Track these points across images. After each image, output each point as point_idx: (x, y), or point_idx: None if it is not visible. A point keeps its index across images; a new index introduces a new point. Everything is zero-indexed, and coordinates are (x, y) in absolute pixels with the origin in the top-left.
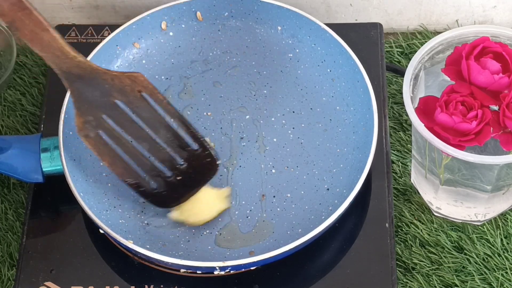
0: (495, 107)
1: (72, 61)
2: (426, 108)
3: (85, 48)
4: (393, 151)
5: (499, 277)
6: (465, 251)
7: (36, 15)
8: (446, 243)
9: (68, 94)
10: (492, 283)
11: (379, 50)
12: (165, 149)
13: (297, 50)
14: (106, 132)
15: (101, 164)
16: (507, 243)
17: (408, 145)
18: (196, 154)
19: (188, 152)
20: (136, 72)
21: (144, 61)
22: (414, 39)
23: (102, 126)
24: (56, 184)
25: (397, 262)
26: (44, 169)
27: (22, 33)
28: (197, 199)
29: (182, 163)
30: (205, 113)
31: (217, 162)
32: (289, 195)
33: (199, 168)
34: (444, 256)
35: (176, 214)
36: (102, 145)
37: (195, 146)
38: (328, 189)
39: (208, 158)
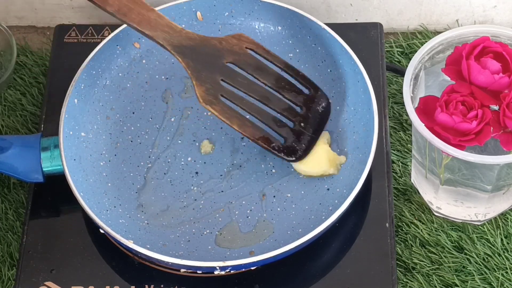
0: (495, 107)
1: (181, 34)
2: (426, 108)
3: (85, 48)
4: (393, 151)
5: (499, 277)
6: (465, 251)
7: None
8: (446, 243)
9: (68, 95)
10: (492, 283)
11: (380, 50)
12: (282, 99)
13: (297, 50)
14: (227, 96)
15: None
16: (507, 243)
17: (408, 145)
18: (310, 97)
19: (303, 96)
20: (239, 33)
21: (144, 61)
22: (414, 39)
23: (222, 90)
24: (56, 184)
25: (397, 262)
26: (44, 169)
27: (129, 17)
28: (314, 151)
29: (300, 109)
30: (205, 113)
31: (329, 103)
32: (289, 195)
33: (316, 111)
34: (444, 256)
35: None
36: (227, 109)
37: (307, 90)
38: (328, 189)
39: (321, 98)
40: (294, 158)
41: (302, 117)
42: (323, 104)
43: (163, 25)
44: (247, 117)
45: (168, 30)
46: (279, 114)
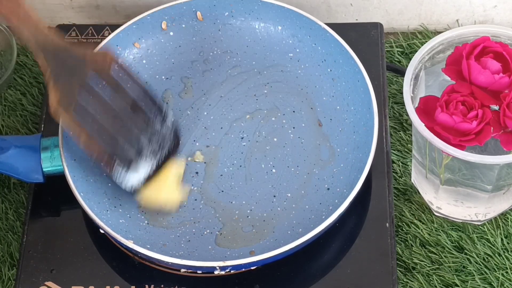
0: (496, 107)
1: (48, 37)
2: (426, 108)
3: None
4: (393, 151)
5: (499, 277)
6: (465, 251)
7: None
8: (447, 243)
9: None
10: (492, 283)
11: (380, 50)
12: (133, 127)
13: (298, 50)
14: (80, 108)
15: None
16: (508, 243)
17: (409, 145)
18: (162, 131)
19: (152, 127)
20: (105, 50)
21: (144, 61)
22: (414, 38)
23: (75, 100)
24: (56, 184)
25: (397, 262)
26: (44, 169)
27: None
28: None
29: (148, 137)
30: (205, 113)
31: (180, 136)
32: (289, 194)
33: (164, 144)
34: (444, 256)
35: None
36: (76, 121)
37: (159, 119)
38: (328, 188)
39: (171, 134)
40: (130, 188)
41: (149, 148)
42: (173, 140)
43: (31, 23)
44: (94, 133)
45: (35, 30)
46: (126, 136)
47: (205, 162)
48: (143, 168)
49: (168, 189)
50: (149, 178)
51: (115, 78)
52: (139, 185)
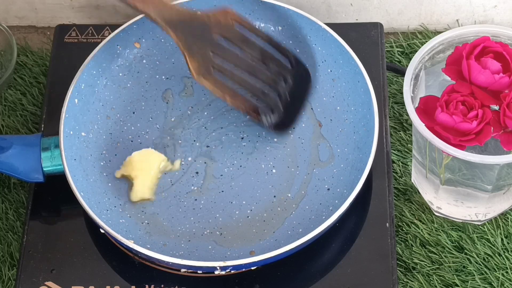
0: (496, 107)
1: (172, 9)
2: (426, 108)
3: (86, 48)
4: (393, 151)
5: (499, 277)
6: (465, 250)
7: None
8: (447, 243)
9: (68, 95)
10: (492, 283)
11: (380, 50)
12: (268, 72)
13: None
14: (218, 68)
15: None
16: (508, 243)
17: (409, 145)
18: (294, 71)
19: (287, 68)
20: (224, 7)
21: (144, 61)
22: (414, 38)
23: (213, 63)
24: (56, 183)
25: (397, 261)
26: (44, 169)
27: None
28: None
29: (286, 82)
30: (205, 113)
31: (310, 75)
32: (289, 195)
33: (300, 83)
34: (444, 256)
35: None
36: (219, 82)
37: (289, 63)
38: (328, 189)
39: (303, 72)
40: (280, 131)
41: (289, 89)
42: (306, 77)
43: (154, 1)
44: (237, 89)
45: (159, 5)
46: (267, 88)
47: (205, 162)
48: (287, 111)
49: (143, 180)
50: (296, 119)
51: (239, 33)
52: (287, 128)
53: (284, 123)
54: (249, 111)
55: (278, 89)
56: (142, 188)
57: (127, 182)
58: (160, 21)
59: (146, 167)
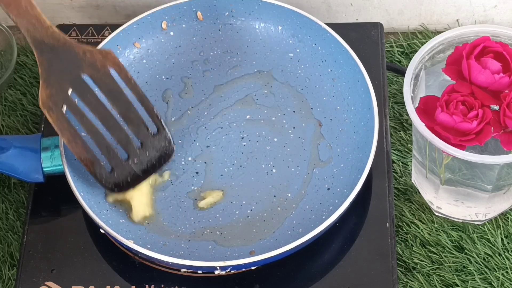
0: (496, 107)
1: (47, 31)
2: (426, 108)
3: None
4: (393, 151)
5: (499, 277)
6: (465, 250)
7: None
8: (447, 243)
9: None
10: (492, 283)
11: (380, 50)
12: (125, 130)
13: (298, 50)
14: (69, 108)
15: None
16: (508, 243)
17: (409, 145)
18: (155, 138)
19: (147, 135)
20: (107, 49)
21: (144, 61)
22: (414, 38)
23: (66, 100)
24: (56, 183)
25: (397, 261)
26: (44, 169)
27: None
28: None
29: (140, 145)
30: (205, 113)
31: (173, 148)
32: (289, 194)
33: (155, 153)
34: (444, 256)
35: (111, 198)
36: (63, 121)
37: (154, 129)
38: (328, 188)
39: (165, 143)
40: (113, 189)
41: (140, 153)
42: (166, 148)
43: (31, 15)
44: (82, 135)
45: (35, 22)
46: (116, 143)
47: (205, 162)
48: (125, 176)
49: (140, 199)
50: (130, 187)
51: (111, 82)
52: (116, 191)
53: (121, 185)
54: (84, 161)
55: (128, 149)
56: (142, 207)
57: (122, 206)
58: (28, 38)
59: (138, 187)
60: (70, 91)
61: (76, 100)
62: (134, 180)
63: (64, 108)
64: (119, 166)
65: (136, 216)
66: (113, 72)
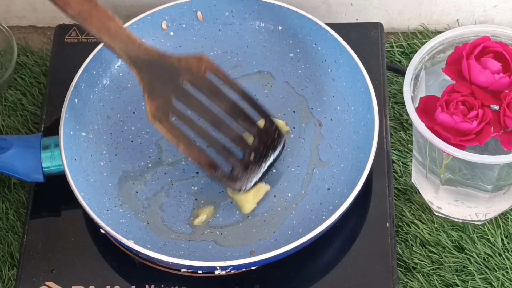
0: (496, 107)
1: (140, 48)
2: (426, 108)
3: (86, 48)
4: (393, 151)
5: (499, 277)
6: (465, 250)
7: (101, 6)
8: (447, 243)
9: (68, 95)
10: (492, 283)
11: (380, 50)
12: (234, 127)
13: (298, 50)
14: (178, 115)
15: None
16: (508, 243)
17: (409, 145)
18: (263, 129)
19: (256, 127)
20: (199, 54)
21: None
22: (414, 38)
23: (173, 109)
24: (56, 183)
25: (397, 261)
26: (45, 169)
27: (89, 23)
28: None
29: (253, 139)
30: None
31: (284, 136)
32: (289, 194)
33: (268, 143)
34: (444, 256)
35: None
36: (175, 129)
37: (261, 121)
38: (328, 188)
39: (275, 132)
40: (238, 189)
41: (253, 148)
42: (277, 139)
43: (122, 35)
44: (195, 140)
45: (127, 42)
46: (229, 143)
47: None
48: (248, 173)
49: (251, 195)
50: (255, 183)
51: (210, 84)
52: (243, 190)
53: (243, 183)
54: (203, 164)
55: (242, 147)
56: (249, 203)
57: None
58: (125, 58)
59: None
60: (174, 100)
61: (182, 107)
62: (256, 175)
63: (173, 118)
64: (238, 164)
65: (245, 210)
66: (209, 74)
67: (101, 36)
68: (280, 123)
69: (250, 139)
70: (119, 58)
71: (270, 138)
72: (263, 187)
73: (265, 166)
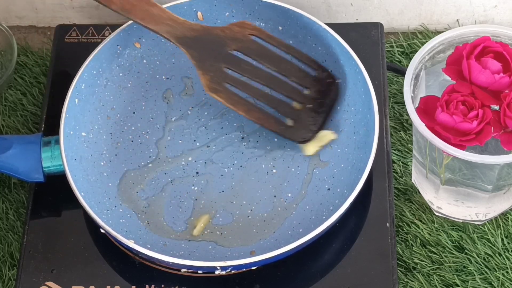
0: (496, 107)
1: (184, 26)
2: (427, 108)
3: (86, 48)
4: (394, 151)
5: (499, 277)
6: (466, 250)
7: None
8: (447, 243)
9: (69, 95)
10: (493, 283)
11: (380, 50)
12: (288, 82)
13: None
14: (232, 82)
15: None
16: (508, 243)
17: (409, 145)
18: (317, 78)
19: (309, 78)
20: (241, 21)
21: (145, 61)
22: (414, 38)
23: (226, 77)
24: (57, 183)
25: (398, 261)
26: (45, 169)
27: (133, 14)
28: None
29: (307, 90)
30: (205, 113)
31: (337, 81)
32: (289, 194)
33: (324, 92)
34: (445, 256)
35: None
36: (233, 95)
37: (313, 71)
38: (329, 189)
39: (329, 79)
40: (303, 140)
41: (310, 98)
42: (331, 84)
43: (165, 18)
44: (254, 102)
45: (171, 23)
46: (285, 97)
47: (205, 162)
48: (309, 122)
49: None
50: (317, 131)
51: (257, 46)
52: (307, 140)
53: (307, 133)
54: (264, 123)
55: (299, 99)
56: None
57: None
58: (172, 40)
59: None
60: (225, 69)
61: (235, 74)
62: (318, 124)
63: (228, 85)
64: (298, 116)
65: (306, 152)
66: (254, 37)
67: (146, 24)
68: (328, 133)
69: (306, 92)
70: (166, 40)
71: (323, 87)
72: (328, 134)
73: (323, 114)
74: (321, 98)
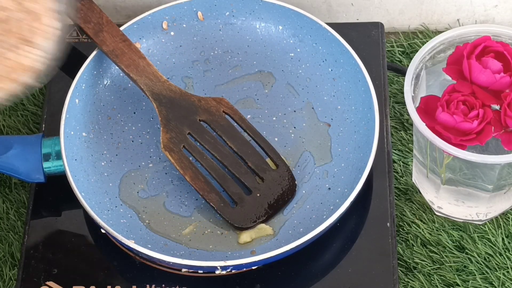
0: (497, 107)
1: (164, 85)
2: (427, 108)
3: (86, 48)
4: (394, 151)
5: (500, 277)
6: (466, 250)
7: (134, 45)
8: (448, 243)
9: (69, 95)
10: (493, 283)
11: (380, 50)
12: (243, 165)
13: (298, 50)
14: (189, 148)
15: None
16: (509, 243)
17: (410, 145)
18: (275, 173)
19: (268, 169)
20: (220, 97)
21: None
22: (415, 38)
23: (185, 142)
24: (57, 184)
25: (398, 261)
26: (45, 169)
27: (120, 60)
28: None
29: (261, 180)
30: None
31: (295, 185)
32: None
33: (277, 188)
34: (445, 256)
35: (245, 237)
36: (184, 160)
37: (274, 165)
38: (329, 188)
39: (286, 178)
40: (239, 226)
41: (261, 188)
42: (288, 184)
43: (149, 73)
44: (203, 173)
45: (153, 78)
46: (237, 179)
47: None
48: (250, 211)
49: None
50: (257, 224)
51: (226, 123)
52: (243, 227)
53: (245, 221)
54: (207, 196)
55: (250, 184)
56: (246, 234)
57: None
58: (148, 93)
59: None
60: (188, 135)
61: (194, 142)
62: (260, 216)
63: (184, 150)
64: (243, 200)
65: (239, 240)
66: (226, 115)
67: (129, 72)
68: (267, 228)
69: (259, 180)
70: (142, 92)
71: (280, 183)
72: (266, 229)
73: (270, 210)
74: (273, 192)
